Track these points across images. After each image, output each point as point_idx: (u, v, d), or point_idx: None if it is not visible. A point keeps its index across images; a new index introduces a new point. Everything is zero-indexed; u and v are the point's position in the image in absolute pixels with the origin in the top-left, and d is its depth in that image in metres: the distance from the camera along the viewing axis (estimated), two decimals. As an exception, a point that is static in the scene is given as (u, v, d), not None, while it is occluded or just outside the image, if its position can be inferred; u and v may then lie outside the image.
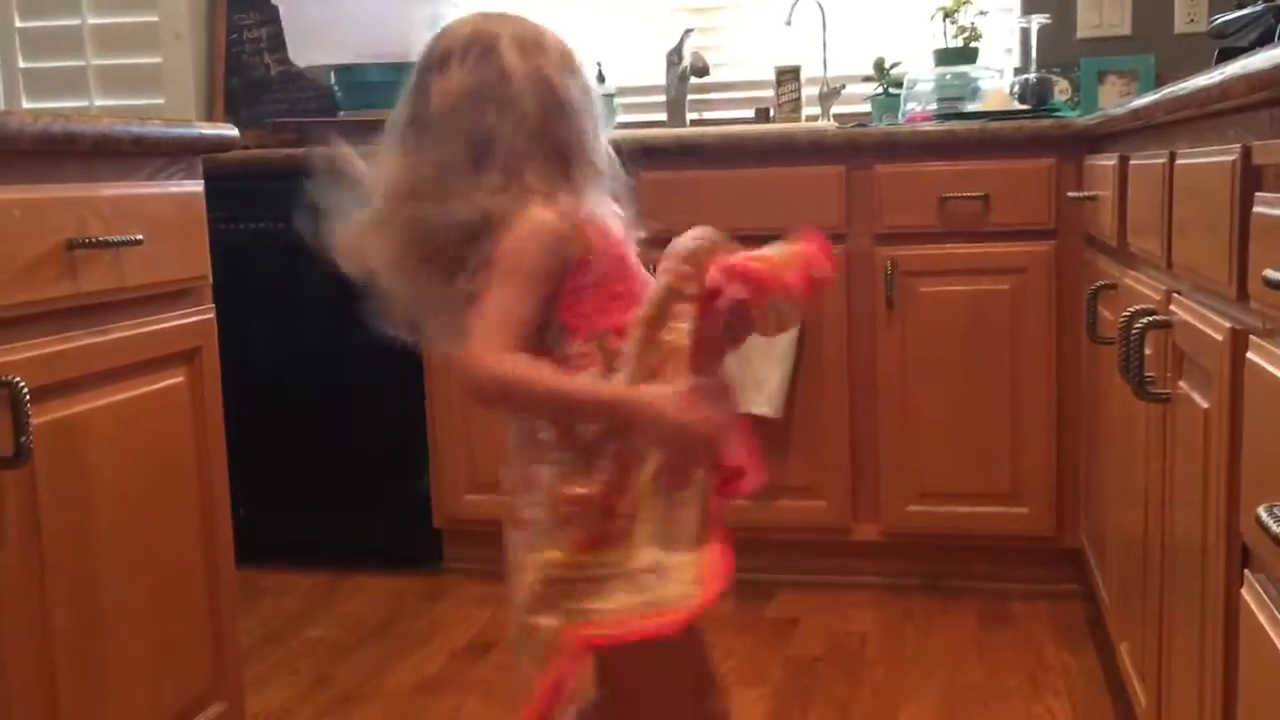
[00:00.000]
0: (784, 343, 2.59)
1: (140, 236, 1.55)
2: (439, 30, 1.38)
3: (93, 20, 3.47)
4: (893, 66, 3.03)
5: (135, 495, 1.58)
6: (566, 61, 1.35)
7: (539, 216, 1.27)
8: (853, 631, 2.47)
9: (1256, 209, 1.06)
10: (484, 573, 2.86)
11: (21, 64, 3.51)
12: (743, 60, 3.25)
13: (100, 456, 1.51)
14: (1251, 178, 1.12)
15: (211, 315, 1.77)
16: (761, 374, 2.60)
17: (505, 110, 1.30)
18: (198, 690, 1.74)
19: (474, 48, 1.32)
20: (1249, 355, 1.08)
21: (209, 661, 1.76)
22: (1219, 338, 1.19)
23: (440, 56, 1.34)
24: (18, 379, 1.32)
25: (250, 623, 2.53)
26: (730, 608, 2.61)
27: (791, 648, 2.40)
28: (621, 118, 3.19)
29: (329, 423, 2.91)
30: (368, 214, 1.35)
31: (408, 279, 1.34)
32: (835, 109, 3.04)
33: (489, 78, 1.31)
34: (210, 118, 3.37)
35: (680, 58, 3.12)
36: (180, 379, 1.69)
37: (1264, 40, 1.23)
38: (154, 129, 1.63)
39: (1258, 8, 1.64)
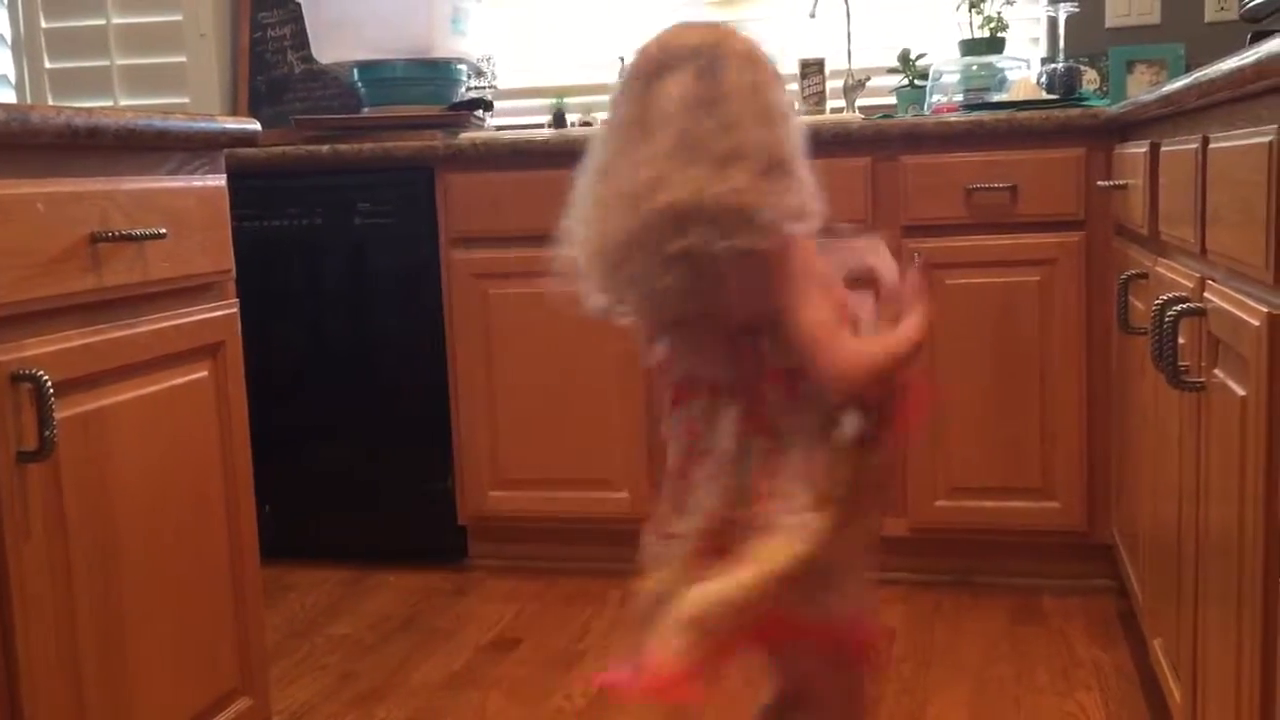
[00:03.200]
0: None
1: (164, 230, 1.55)
2: (659, 37, 1.34)
3: (117, 20, 3.49)
4: (918, 58, 3.00)
5: (159, 490, 1.58)
6: (778, 76, 1.35)
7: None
8: (881, 627, 2.44)
9: (1295, 190, 1.04)
10: (508, 569, 2.86)
11: (47, 64, 3.52)
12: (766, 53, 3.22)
13: (124, 451, 1.51)
14: (1289, 158, 1.09)
15: (235, 310, 1.77)
16: (787, 368, 2.58)
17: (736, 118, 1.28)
18: (223, 686, 1.74)
19: (701, 58, 1.30)
20: (1287, 340, 1.06)
21: (234, 657, 1.76)
22: (1256, 323, 1.17)
23: (667, 63, 1.31)
24: (42, 373, 1.32)
25: (275, 619, 2.53)
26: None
27: (819, 644, 2.38)
28: (645, 112, 3.17)
29: (353, 420, 2.90)
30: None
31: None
32: (860, 101, 3.01)
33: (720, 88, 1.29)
34: (235, 116, 3.38)
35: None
36: (204, 373, 1.68)
37: (1299, 22, 1.21)
38: (177, 123, 1.63)
39: (1292, -11, 1.61)
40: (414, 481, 2.89)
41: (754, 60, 1.31)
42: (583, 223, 1.34)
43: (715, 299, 1.30)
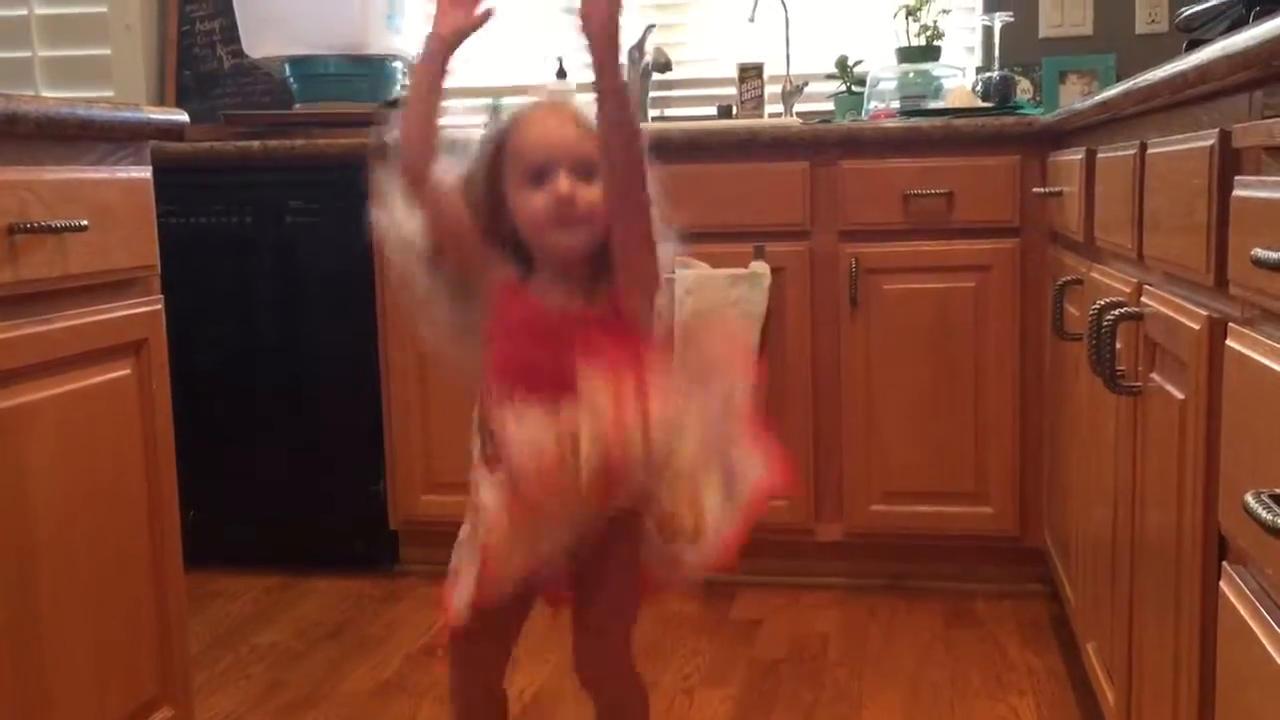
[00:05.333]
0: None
1: (85, 222, 1.49)
2: None
3: (40, 10, 3.39)
4: (855, 64, 3.01)
5: (78, 492, 1.52)
6: None
7: None
8: (816, 633, 2.44)
9: (1237, 193, 1.04)
10: (441, 574, 2.79)
11: (-35, 55, 3.42)
12: (705, 57, 3.22)
13: (40, 451, 1.45)
14: (1230, 162, 1.10)
15: (160, 306, 1.71)
16: (724, 372, 2.57)
17: None
18: (144, 696, 1.68)
19: None
20: (1228, 343, 1.06)
21: (156, 667, 1.70)
22: (1196, 327, 1.17)
23: None
24: (-47, 369, 1.27)
25: (199, 627, 2.47)
26: (694, 609, 2.57)
27: (755, 649, 2.37)
28: (582, 114, 3.15)
29: (282, 422, 2.84)
30: None
31: None
32: (798, 107, 3.02)
33: None
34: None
35: (642, 54, 3.09)
36: (127, 371, 1.63)
37: (1234, 30, 1.21)
38: (101, 112, 1.57)
39: (1227, -2, 1.63)
40: (344, 485, 2.83)
41: None
42: None
43: None
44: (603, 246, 1.40)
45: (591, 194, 1.38)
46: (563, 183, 1.37)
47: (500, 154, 1.42)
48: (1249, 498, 0.85)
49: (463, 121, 3.19)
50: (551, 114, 1.46)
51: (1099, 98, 1.76)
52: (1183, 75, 1.19)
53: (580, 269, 1.43)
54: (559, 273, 1.43)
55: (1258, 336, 0.99)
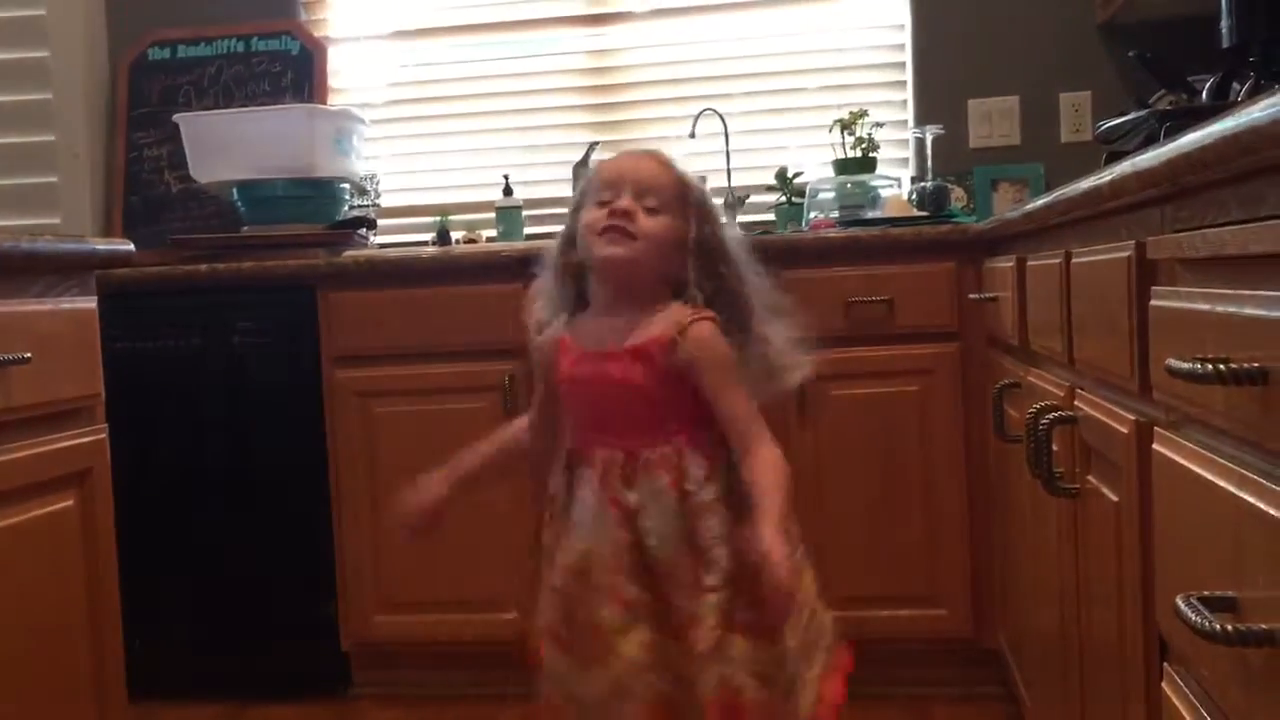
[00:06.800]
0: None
1: (29, 355, 1.49)
2: None
3: (-13, 140, 3.41)
4: (795, 176, 3.09)
5: (19, 627, 1.49)
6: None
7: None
8: None
9: (1154, 302, 1.08)
10: (396, 696, 2.76)
11: (-90, 184, 3.41)
12: (648, 172, 3.29)
13: (-19, 587, 1.43)
14: (1147, 272, 1.14)
15: (104, 435, 1.71)
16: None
17: None
18: (86, 837, 1.63)
19: None
20: (1155, 447, 1.09)
21: (98, 805, 1.66)
22: (1124, 431, 1.21)
23: None
24: (-109, 507, 1.25)
25: (146, 761, 2.40)
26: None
27: (714, 763, 2.33)
28: (529, 229, 3.20)
29: (230, 544, 2.80)
30: None
31: None
32: (740, 218, 3.09)
33: None
34: (108, 236, 3.30)
35: (587, 170, 3.15)
36: (70, 502, 1.61)
37: (1149, 144, 1.27)
38: (45, 245, 1.58)
39: (1141, 113, 1.71)
40: (295, 608, 2.79)
41: None
42: None
43: None
44: (650, 281, 1.55)
45: (652, 223, 1.51)
46: (624, 200, 1.51)
47: (584, 191, 1.58)
48: (1179, 600, 0.87)
49: (412, 240, 3.24)
50: (633, 154, 1.62)
51: (1026, 209, 1.83)
52: (1099, 190, 1.25)
53: (626, 299, 1.55)
54: (605, 305, 1.56)
55: (1182, 441, 1.02)
